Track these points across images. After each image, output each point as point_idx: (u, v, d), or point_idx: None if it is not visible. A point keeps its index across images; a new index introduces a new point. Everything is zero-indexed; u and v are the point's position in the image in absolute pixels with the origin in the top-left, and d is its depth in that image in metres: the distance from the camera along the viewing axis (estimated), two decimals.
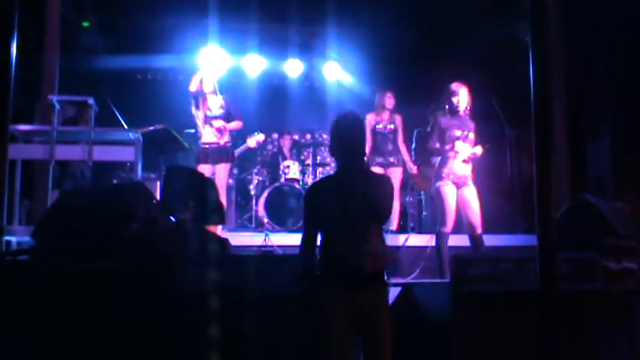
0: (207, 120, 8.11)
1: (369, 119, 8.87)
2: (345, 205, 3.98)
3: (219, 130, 7.99)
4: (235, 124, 8.26)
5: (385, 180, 4.42)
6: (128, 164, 7.53)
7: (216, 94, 8.24)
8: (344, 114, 4.39)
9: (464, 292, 4.24)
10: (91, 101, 6.96)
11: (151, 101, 10.45)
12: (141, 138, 6.96)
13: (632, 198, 7.42)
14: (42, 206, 7.01)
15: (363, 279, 3.89)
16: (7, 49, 2.81)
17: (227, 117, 8.20)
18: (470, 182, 6.76)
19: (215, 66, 11.41)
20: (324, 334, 3.88)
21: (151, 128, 7.72)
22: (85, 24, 10.47)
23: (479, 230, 6.71)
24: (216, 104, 8.20)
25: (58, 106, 6.98)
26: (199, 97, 8.12)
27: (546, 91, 2.53)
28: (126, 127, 7.61)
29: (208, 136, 8.06)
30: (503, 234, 8.73)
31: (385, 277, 4.02)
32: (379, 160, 8.79)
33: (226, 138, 8.14)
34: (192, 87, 8.08)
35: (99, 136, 6.87)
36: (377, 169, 8.52)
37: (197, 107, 8.14)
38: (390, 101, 8.95)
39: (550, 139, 2.50)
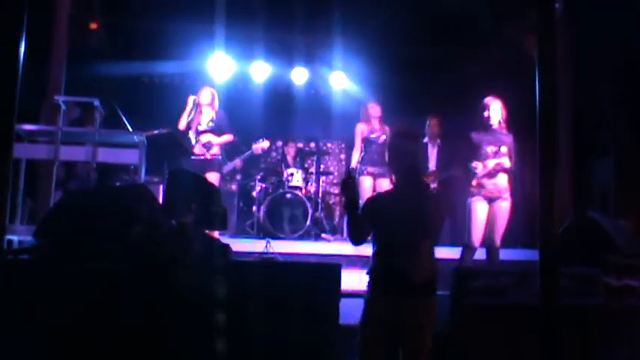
0: (197, 133, 8.06)
1: (362, 128, 8.86)
2: (400, 217, 4.04)
3: (205, 146, 7.97)
4: (225, 139, 8.17)
5: (440, 199, 4.47)
6: (132, 167, 7.52)
7: (212, 107, 8.20)
8: (399, 129, 4.46)
9: (465, 304, 4.24)
10: (96, 103, 6.97)
11: (157, 105, 10.45)
12: (145, 141, 6.97)
13: (635, 214, 7.40)
14: (45, 206, 7.02)
15: (411, 289, 3.94)
16: (16, 50, 2.82)
17: (216, 131, 8.11)
18: (506, 195, 6.73)
19: (221, 73, 11.46)
20: (362, 337, 3.95)
21: (156, 132, 7.73)
22: (94, 27, 10.48)
23: (497, 243, 6.70)
24: (206, 118, 8.14)
25: (63, 107, 6.99)
26: (195, 107, 8.11)
27: (552, 105, 2.54)
28: (131, 130, 7.62)
29: (197, 148, 8.04)
30: (506, 248, 8.71)
31: (434, 291, 4.06)
32: (371, 169, 8.74)
33: (215, 150, 8.08)
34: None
35: (103, 138, 6.88)
36: (367, 179, 8.53)
37: (189, 115, 8.10)
38: (374, 110, 8.93)
39: (554, 154, 2.51)
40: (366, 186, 8.51)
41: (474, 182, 6.78)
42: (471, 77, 10.42)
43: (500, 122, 6.84)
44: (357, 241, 4.23)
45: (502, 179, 6.80)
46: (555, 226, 2.41)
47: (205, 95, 8.20)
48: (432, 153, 9.41)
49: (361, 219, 4.20)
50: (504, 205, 6.72)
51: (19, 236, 6.43)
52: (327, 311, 4.04)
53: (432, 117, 9.38)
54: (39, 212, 7.36)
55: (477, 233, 6.66)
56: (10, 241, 6.33)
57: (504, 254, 8.22)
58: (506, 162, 6.79)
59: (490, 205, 6.71)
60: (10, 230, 6.37)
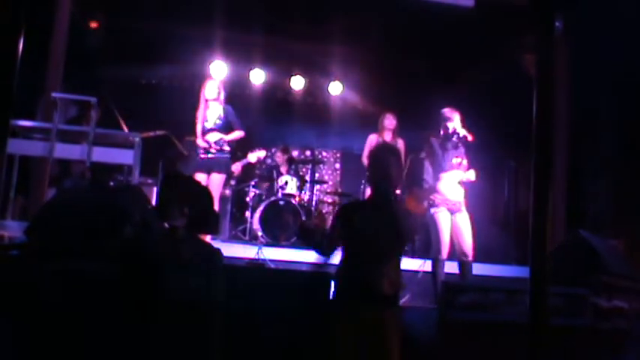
0: (204, 130, 7.87)
1: (372, 139, 8.87)
2: (371, 229, 4.13)
3: (218, 143, 7.78)
4: (236, 135, 7.97)
5: (409, 215, 4.55)
6: (126, 167, 7.50)
7: (219, 101, 7.98)
8: (381, 144, 4.63)
9: (452, 319, 4.24)
10: (93, 102, 6.95)
11: (153, 107, 10.45)
12: (141, 142, 6.95)
13: (628, 235, 7.41)
14: (37, 203, 6.99)
15: (377, 300, 3.97)
16: (14, 44, 2.81)
17: (225, 128, 7.93)
18: (463, 208, 6.77)
19: (218, 75, 11.43)
20: (333, 346, 4.00)
21: (152, 134, 7.72)
22: (93, 26, 10.48)
23: (469, 257, 6.71)
24: (214, 114, 7.94)
25: (60, 104, 6.97)
26: (201, 102, 7.96)
27: (548, 125, 2.54)
28: (126, 130, 7.60)
29: (204, 146, 7.84)
30: (496, 264, 8.71)
31: (398, 302, 4.12)
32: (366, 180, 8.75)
33: (225, 148, 7.90)
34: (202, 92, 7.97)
35: (99, 137, 6.86)
36: None
37: (198, 113, 7.92)
38: (389, 122, 8.91)
39: (548, 173, 2.51)
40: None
41: (438, 194, 6.79)
42: (466, 95, 10.45)
43: (457, 134, 6.89)
44: (328, 254, 4.28)
45: (461, 192, 6.84)
46: (547, 244, 2.41)
47: (211, 89, 7.99)
48: (429, 168, 9.45)
49: (333, 230, 4.27)
50: (464, 217, 6.76)
51: (9, 232, 6.41)
52: (316, 318, 4.05)
53: (429, 135, 9.44)
54: (31, 209, 7.34)
55: (446, 244, 6.67)
56: (0, 237, 6.31)
57: (496, 271, 8.25)
58: (472, 175, 6.86)
59: (452, 217, 6.74)
60: (1, 226, 6.35)
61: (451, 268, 6.92)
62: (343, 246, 4.22)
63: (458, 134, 6.80)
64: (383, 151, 4.59)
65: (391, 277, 4.05)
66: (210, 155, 7.84)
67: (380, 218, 4.15)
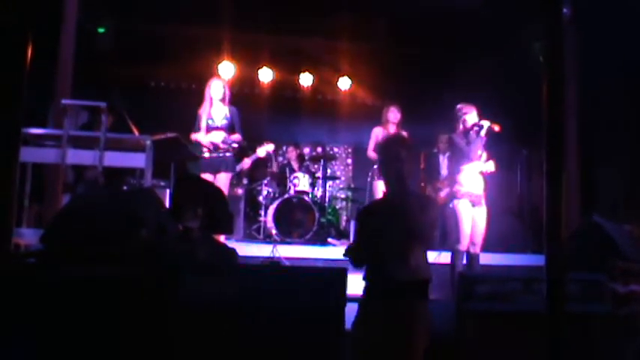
0: (209, 129, 7.84)
1: (377, 132, 8.84)
2: (389, 224, 4.14)
3: (225, 142, 7.75)
4: (236, 137, 7.94)
5: (427, 200, 4.53)
6: (138, 171, 7.51)
7: (224, 102, 7.95)
8: (391, 135, 4.57)
9: (469, 310, 4.23)
10: (103, 106, 6.97)
11: (163, 109, 10.47)
12: (152, 145, 6.96)
13: None
14: (52, 210, 7.02)
15: (404, 293, 3.99)
16: (23, 53, 2.83)
17: (230, 128, 7.90)
18: (482, 201, 6.81)
19: (227, 75, 11.44)
20: (356, 337, 4.06)
21: (163, 136, 7.72)
22: (101, 30, 10.50)
23: (477, 249, 6.75)
24: (220, 114, 7.91)
25: (70, 111, 6.99)
26: (206, 101, 7.93)
27: (559, 112, 2.53)
28: (137, 134, 7.61)
29: (209, 145, 7.81)
30: (512, 253, 8.70)
31: (426, 295, 4.11)
32: (379, 173, 8.74)
33: (234, 145, 7.88)
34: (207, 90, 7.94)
35: (110, 142, 6.87)
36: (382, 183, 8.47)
37: (202, 111, 7.91)
38: (393, 115, 8.86)
39: (561, 160, 2.50)
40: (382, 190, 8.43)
41: (462, 186, 6.81)
42: (476, 85, 10.43)
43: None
44: (360, 265, 4.28)
45: (482, 185, 6.87)
46: (562, 232, 2.40)
47: (217, 88, 7.96)
48: (443, 162, 9.47)
49: (360, 237, 4.28)
50: (482, 211, 6.81)
51: (25, 240, 6.44)
52: (332, 316, 4.04)
53: (442, 134, 9.45)
54: (45, 216, 7.37)
55: (466, 235, 6.69)
56: (17, 245, 6.34)
57: (512, 260, 8.24)
58: (491, 166, 6.91)
59: (473, 209, 6.77)
60: (17, 234, 6.38)
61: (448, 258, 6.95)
62: (368, 248, 4.22)
63: (481, 126, 6.82)
64: (393, 143, 4.54)
65: (417, 270, 4.07)
66: (215, 155, 7.82)
67: (398, 213, 4.14)
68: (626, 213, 8.58)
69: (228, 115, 7.91)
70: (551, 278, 2.37)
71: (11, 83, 2.84)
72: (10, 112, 2.89)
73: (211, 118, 7.87)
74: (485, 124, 6.83)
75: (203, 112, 7.86)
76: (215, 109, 7.92)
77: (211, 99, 7.93)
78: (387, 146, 4.46)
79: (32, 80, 2.96)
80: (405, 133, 8.87)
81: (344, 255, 4.32)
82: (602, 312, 4.38)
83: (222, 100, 7.95)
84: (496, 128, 6.85)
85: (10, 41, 2.82)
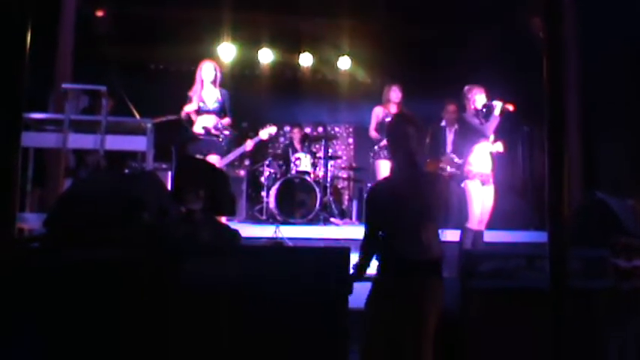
0: (201, 112, 7.78)
1: (378, 112, 8.79)
2: (399, 203, 4.11)
3: (216, 128, 7.73)
4: (226, 121, 7.91)
5: (437, 177, 4.52)
6: (140, 154, 7.51)
7: (215, 84, 7.90)
8: (398, 114, 4.52)
9: (473, 287, 4.24)
10: (103, 90, 6.95)
11: (164, 92, 10.45)
12: (153, 128, 6.96)
13: None
14: (54, 194, 7.03)
15: (417, 271, 4.02)
16: (23, 38, 2.82)
17: (221, 112, 7.87)
18: (491, 180, 6.86)
19: (227, 57, 11.42)
20: (370, 314, 4.08)
21: (163, 119, 7.72)
22: (99, 13, 10.47)
23: (482, 227, 6.80)
24: (212, 97, 7.86)
25: (71, 95, 6.99)
26: (197, 83, 7.87)
27: (559, 88, 2.52)
28: (138, 117, 7.61)
29: (199, 128, 7.75)
30: (515, 230, 8.71)
31: (439, 272, 4.11)
32: (388, 153, 8.71)
33: (226, 132, 7.82)
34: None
35: (111, 126, 6.87)
36: (385, 162, 8.43)
37: (194, 93, 7.84)
38: (395, 94, 8.81)
39: (563, 137, 2.50)
40: (386, 169, 8.39)
41: (473, 165, 6.85)
42: (476, 61, 10.41)
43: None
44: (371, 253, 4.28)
45: (490, 165, 6.92)
46: (564, 208, 2.40)
47: (208, 71, 7.92)
48: (449, 137, 9.43)
49: (371, 218, 4.27)
50: (490, 190, 6.89)
51: (28, 224, 6.45)
52: (336, 294, 4.05)
53: (449, 103, 9.37)
54: (48, 201, 7.38)
55: (476, 214, 6.73)
56: (20, 230, 6.35)
57: (515, 237, 8.25)
58: (500, 147, 6.97)
59: (482, 188, 6.82)
60: (20, 219, 6.39)
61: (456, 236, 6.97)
62: (380, 228, 4.21)
63: (493, 106, 6.85)
64: (400, 121, 4.50)
65: (429, 248, 4.06)
66: (206, 137, 7.76)
67: (405, 191, 4.13)
68: (629, 188, 8.57)
69: (219, 98, 7.88)
70: (554, 255, 2.37)
71: (12, 68, 2.84)
72: (11, 97, 2.89)
73: (203, 102, 7.82)
74: (498, 104, 6.86)
75: (194, 94, 7.82)
76: (206, 91, 7.87)
77: (202, 81, 7.87)
78: (395, 125, 4.43)
79: (32, 65, 2.96)
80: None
81: (360, 253, 4.31)
82: (605, 287, 4.39)
83: (214, 82, 7.91)
84: (510, 108, 6.88)
85: (10, 27, 2.82)
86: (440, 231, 4.23)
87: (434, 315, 3.99)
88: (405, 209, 4.07)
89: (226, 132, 7.81)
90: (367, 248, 4.25)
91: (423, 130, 4.50)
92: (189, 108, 7.75)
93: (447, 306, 4.22)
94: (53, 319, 3.41)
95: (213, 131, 7.70)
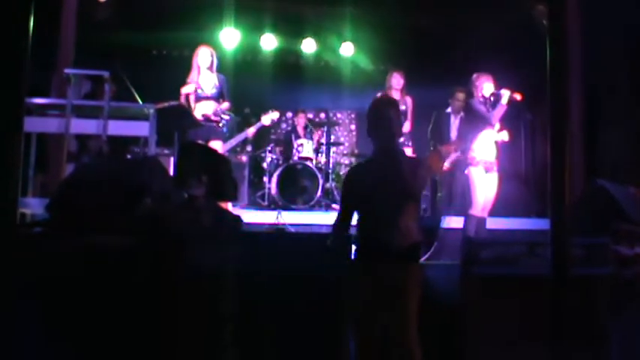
0: (199, 98, 7.81)
1: None
2: (379, 185, 4.11)
3: (215, 114, 7.72)
4: (225, 105, 7.92)
5: (417, 161, 4.49)
6: (142, 139, 7.49)
7: (212, 70, 7.91)
8: (379, 97, 4.51)
9: (474, 274, 4.25)
10: (106, 75, 6.93)
11: (167, 77, 10.43)
12: (155, 113, 6.94)
13: None
14: (56, 180, 7.02)
15: (394, 254, 3.98)
16: (25, 23, 2.82)
17: (219, 97, 7.88)
18: (495, 168, 6.87)
19: (230, 43, 11.39)
20: (354, 306, 4.05)
21: (166, 104, 7.71)
22: None
23: (485, 214, 6.81)
24: (209, 82, 7.88)
25: (74, 80, 6.97)
26: (194, 69, 7.89)
27: (562, 75, 2.52)
28: (141, 102, 7.60)
29: (198, 115, 7.72)
30: (517, 217, 8.71)
31: (417, 255, 4.11)
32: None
33: (225, 117, 7.84)
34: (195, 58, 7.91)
35: (114, 111, 6.85)
36: None
37: (191, 80, 7.85)
38: (397, 81, 8.80)
39: (565, 124, 2.50)
40: None
41: (477, 153, 6.86)
42: (479, 48, 10.39)
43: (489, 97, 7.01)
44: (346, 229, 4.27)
45: (494, 153, 6.93)
46: (566, 196, 2.40)
47: (204, 56, 7.93)
48: (454, 124, 9.42)
49: (347, 200, 4.26)
50: (494, 177, 6.89)
51: (31, 210, 6.46)
52: (337, 280, 4.07)
53: (459, 90, 9.34)
54: (50, 186, 7.38)
55: (480, 201, 6.74)
56: (22, 215, 6.36)
57: (517, 224, 8.26)
58: (505, 135, 6.98)
59: (485, 175, 6.83)
60: (23, 204, 6.39)
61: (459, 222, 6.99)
62: (357, 209, 4.20)
63: (500, 95, 6.85)
64: (381, 103, 4.53)
65: (406, 230, 4.03)
66: (206, 124, 7.75)
67: (385, 173, 4.11)
68: (631, 176, 8.57)
69: (217, 83, 7.89)
70: (555, 242, 2.38)
71: (14, 53, 2.83)
72: (14, 82, 2.88)
73: (200, 88, 7.84)
74: (506, 93, 6.85)
75: (191, 80, 7.82)
76: (203, 77, 7.88)
77: (199, 67, 7.89)
78: (376, 107, 4.43)
79: (34, 50, 2.96)
80: (409, 98, 8.88)
81: (332, 234, 4.28)
82: (606, 275, 4.40)
83: (210, 67, 7.91)
84: (517, 97, 6.87)
85: (13, 11, 2.81)
86: (418, 215, 4.23)
87: (414, 300, 3.98)
88: (383, 191, 4.07)
89: (226, 117, 7.81)
90: (339, 230, 4.23)
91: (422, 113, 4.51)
92: (186, 89, 7.75)
93: (450, 292, 4.23)
94: (55, 304, 3.42)
95: (212, 117, 7.70)
